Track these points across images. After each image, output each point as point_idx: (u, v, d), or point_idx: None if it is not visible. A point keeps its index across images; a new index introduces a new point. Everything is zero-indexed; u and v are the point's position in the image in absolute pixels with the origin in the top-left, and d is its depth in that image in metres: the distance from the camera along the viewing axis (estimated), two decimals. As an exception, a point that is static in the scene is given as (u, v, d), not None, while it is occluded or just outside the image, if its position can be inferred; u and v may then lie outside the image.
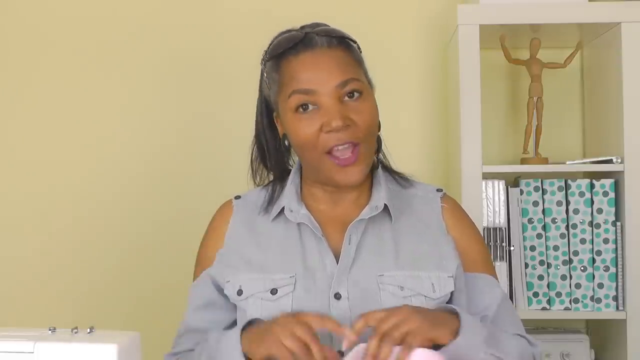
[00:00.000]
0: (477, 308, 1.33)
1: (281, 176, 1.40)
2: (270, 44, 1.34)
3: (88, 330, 1.06)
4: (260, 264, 1.32)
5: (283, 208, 1.35)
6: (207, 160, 2.18)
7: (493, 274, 1.37)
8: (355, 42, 1.34)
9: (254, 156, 1.41)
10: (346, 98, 1.27)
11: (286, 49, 1.29)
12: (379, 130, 1.34)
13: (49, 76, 2.20)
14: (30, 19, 2.20)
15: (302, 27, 1.34)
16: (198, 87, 2.19)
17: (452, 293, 1.31)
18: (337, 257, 1.30)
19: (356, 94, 1.28)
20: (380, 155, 1.39)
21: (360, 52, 1.34)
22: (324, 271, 1.29)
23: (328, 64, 1.27)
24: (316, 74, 1.27)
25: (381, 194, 1.34)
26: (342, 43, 1.31)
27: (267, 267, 1.31)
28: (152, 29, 2.19)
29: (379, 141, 1.35)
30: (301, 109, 1.27)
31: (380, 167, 1.39)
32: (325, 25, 1.34)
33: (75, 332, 1.05)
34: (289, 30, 1.34)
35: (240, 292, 1.31)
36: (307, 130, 1.27)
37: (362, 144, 1.28)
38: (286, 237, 1.34)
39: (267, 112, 1.38)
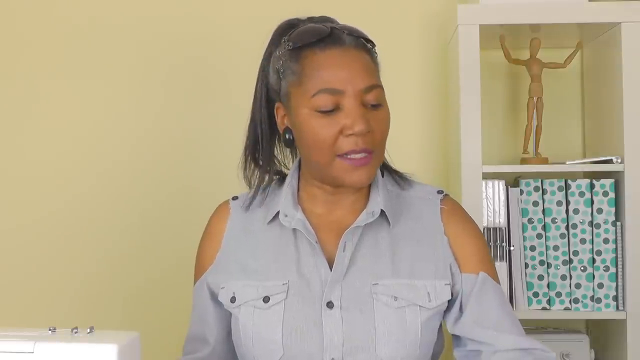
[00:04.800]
0: (471, 312, 1.28)
1: (270, 175, 1.35)
2: (290, 32, 1.27)
3: (88, 330, 1.06)
4: (254, 269, 1.30)
5: (278, 212, 1.31)
6: (207, 159, 2.17)
7: (489, 271, 1.30)
8: (375, 45, 1.29)
9: (246, 144, 1.35)
10: (369, 106, 1.23)
11: (313, 41, 1.23)
12: None
13: (46, 76, 2.20)
14: (28, 19, 2.21)
15: (324, 21, 1.29)
16: (198, 87, 2.19)
17: (449, 301, 1.28)
18: (332, 264, 1.26)
19: (377, 103, 1.23)
20: None
21: (377, 56, 1.29)
22: (318, 278, 1.26)
23: (356, 65, 1.22)
24: (345, 74, 1.21)
25: (378, 198, 1.29)
26: (366, 45, 1.27)
27: (261, 273, 1.29)
28: (150, 26, 2.19)
29: None
30: (324, 109, 1.21)
31: (379, 170, 1.34)
32: (330, 20, 1.31)
33: (75, 332, 1.05)
34: (309, 20, 1.29)
35: (233, 300, 1.29)
36: (326, 131, 1.21)
37: (375, 152, 1.24)
38: (281, 241, 1.30)
39: (266, 102, 1.31)
